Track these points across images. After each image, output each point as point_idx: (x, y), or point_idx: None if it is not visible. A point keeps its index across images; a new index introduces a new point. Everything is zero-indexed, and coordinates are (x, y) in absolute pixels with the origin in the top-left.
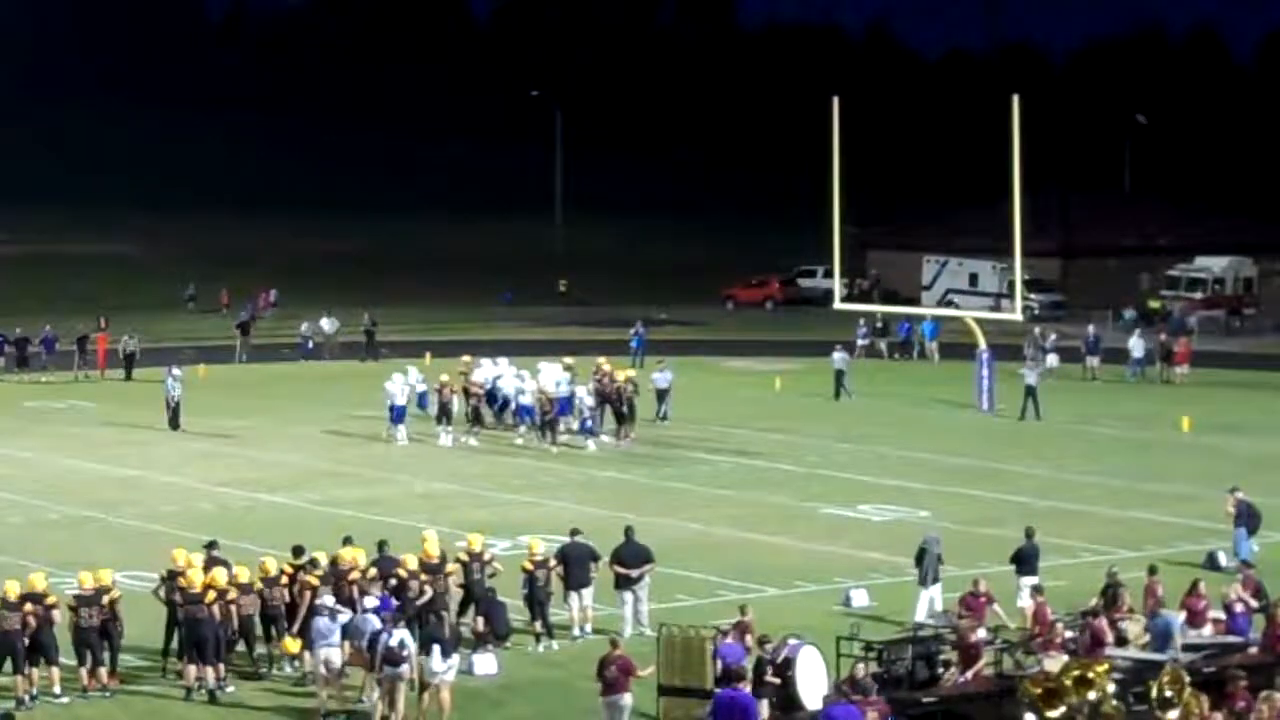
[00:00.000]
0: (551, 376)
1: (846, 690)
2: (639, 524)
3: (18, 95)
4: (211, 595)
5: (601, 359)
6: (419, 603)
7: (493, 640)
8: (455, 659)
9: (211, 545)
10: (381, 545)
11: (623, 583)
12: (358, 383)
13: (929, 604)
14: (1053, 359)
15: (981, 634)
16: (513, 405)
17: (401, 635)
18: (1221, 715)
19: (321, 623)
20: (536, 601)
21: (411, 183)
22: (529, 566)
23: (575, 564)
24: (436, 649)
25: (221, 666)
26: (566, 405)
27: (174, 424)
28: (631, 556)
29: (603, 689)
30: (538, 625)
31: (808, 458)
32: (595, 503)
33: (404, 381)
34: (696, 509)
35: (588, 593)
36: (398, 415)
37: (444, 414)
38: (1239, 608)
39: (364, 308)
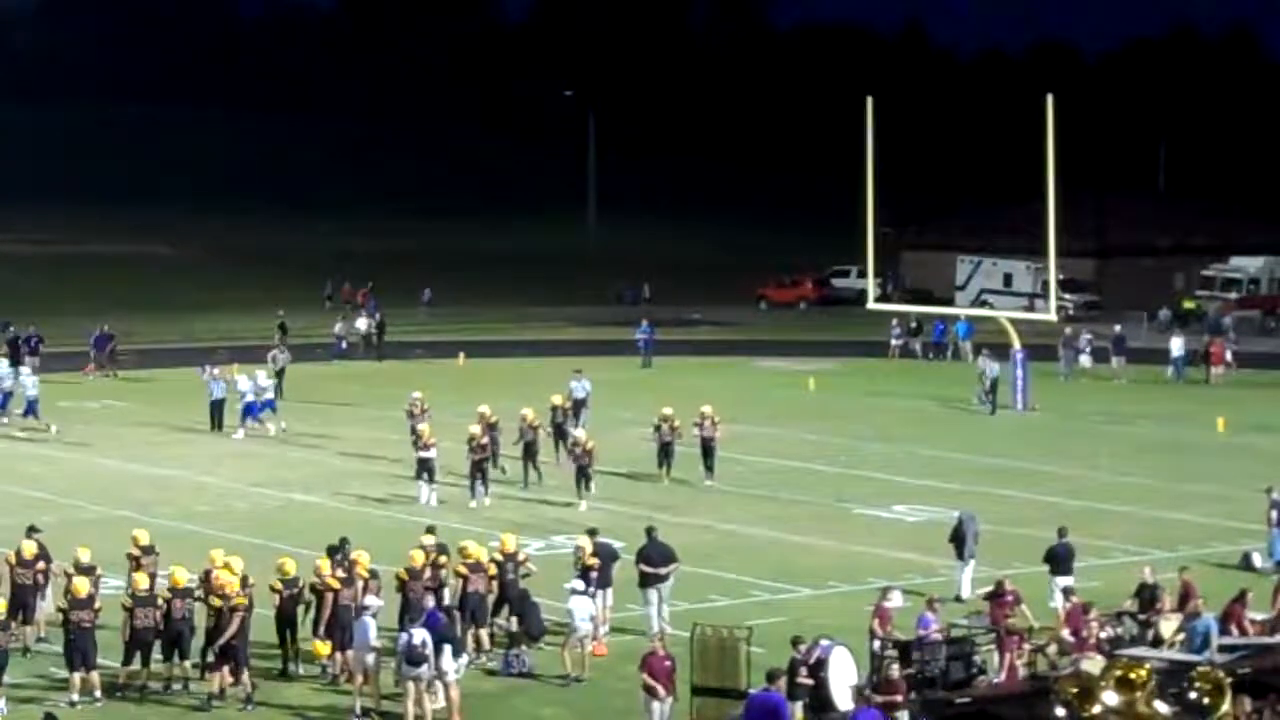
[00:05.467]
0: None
1: (868, 694)
2: (672, 524)
3: (52, 97)
4: (243, 599)
5: (527, 409)
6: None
7: (527, 640)
8: (465, 659)
9: (32, 530)
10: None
11: (648, 581)
12: (382, 382)
13: (969, 580)
14: (1085, 359)
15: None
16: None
17: (423, 635)
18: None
19: (362, 624)
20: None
21: (445, 183)
22: (592, 563)
23: (601, 564)
24: (447, 648)
25: (245, 672)
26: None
27: (217, 424)
28: (658, 556)
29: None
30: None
31: (841, 458)
32: (628, 502)
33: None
34: (730, 509)
35: (610, 592)
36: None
37: (425, 469)
38: None
39: (378, 308)
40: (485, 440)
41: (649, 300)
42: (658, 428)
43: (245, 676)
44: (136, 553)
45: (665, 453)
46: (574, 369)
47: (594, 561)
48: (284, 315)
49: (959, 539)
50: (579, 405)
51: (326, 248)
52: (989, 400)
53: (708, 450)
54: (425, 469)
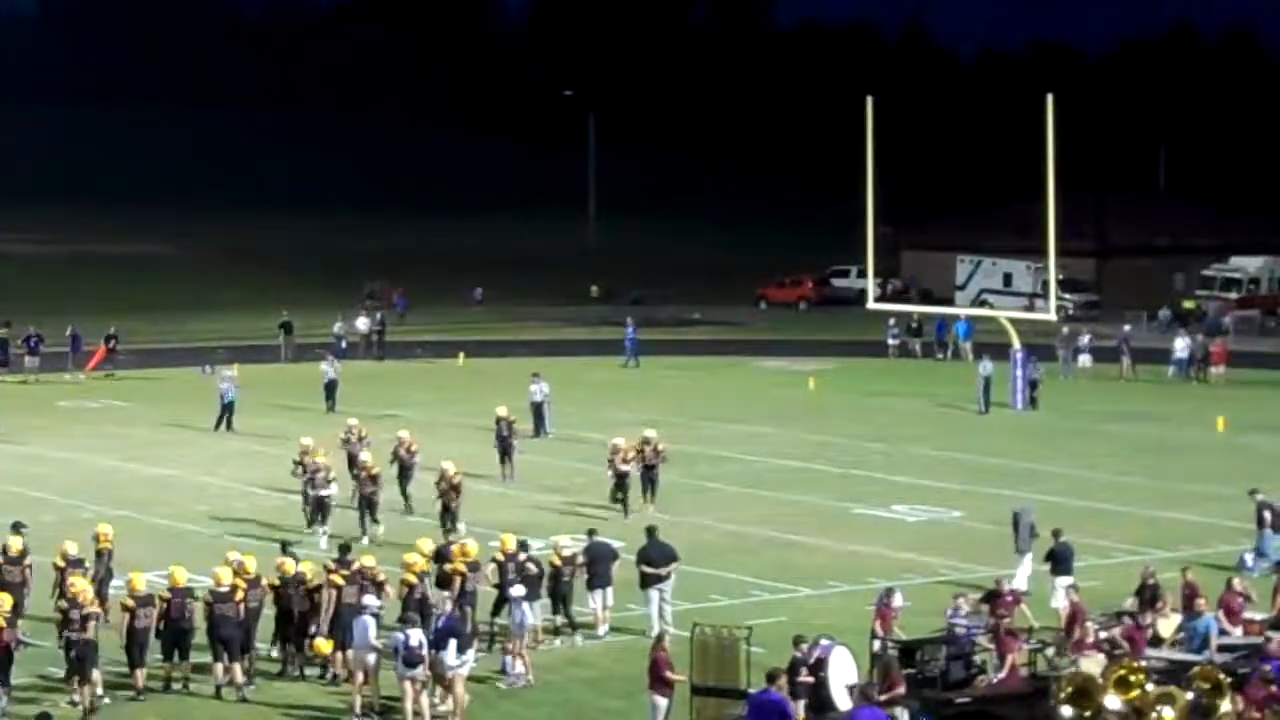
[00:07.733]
0: None
1: (870, 693)
2: (672, 524)
3: (52, 97)
4: (240, 594)
5: (403, 431)
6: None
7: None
8: (470, 654)
9: (17, 526)
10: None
11: (648, 581)
12: (382, 382)
13: (1024, 575)
14: (1085, 359)
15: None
16: None
17: (419, 635)
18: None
19: (361, 623)
20: (560, 596)
21: (444, 182)
22: (556, 562)
23: (599, 563)
24: (452, 643)
25: (237, 667)
26: None
27: (227, 424)
28: (658, 556)
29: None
30: (559, 619)
31: (841, 458)
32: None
33: None
34: (730, 509)
35: (610, 591)
36: None
37: (320, 510)
38: None
39: (375, 307)
40: (376, 471)
41: (599, 299)
42: (640, 451)
43: (238, 671)
44: (104, 547)
45: (646, 479)
46: (532, 371)
47: (559, 563)
48: (287, 315)
49: (1016, 531)
50: (539, 408)
51: (326, 248)
52: (984, 399)
53: (650, 477)
54: (320, 510)
